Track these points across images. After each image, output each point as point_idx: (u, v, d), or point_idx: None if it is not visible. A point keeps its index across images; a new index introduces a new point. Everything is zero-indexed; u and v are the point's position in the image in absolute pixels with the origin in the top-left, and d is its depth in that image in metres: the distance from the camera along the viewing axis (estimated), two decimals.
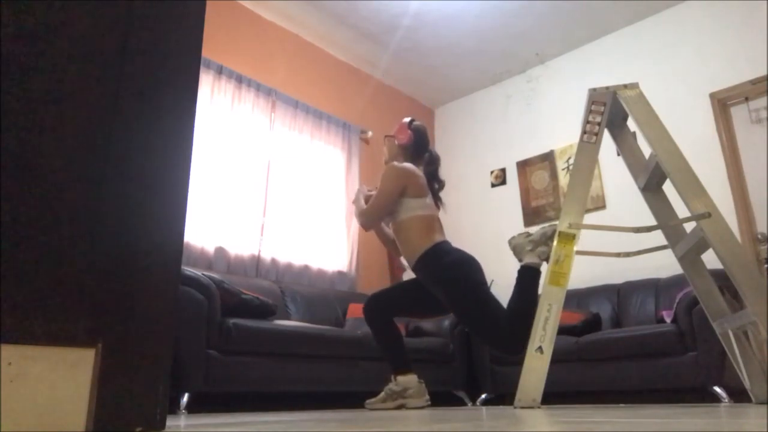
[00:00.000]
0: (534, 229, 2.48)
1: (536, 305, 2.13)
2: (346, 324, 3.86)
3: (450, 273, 2.37)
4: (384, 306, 2.57)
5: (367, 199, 2.64)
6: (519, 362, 2.12)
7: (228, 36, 4.19)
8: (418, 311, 2.81)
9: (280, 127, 4.38)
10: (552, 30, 4.74)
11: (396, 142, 2.67)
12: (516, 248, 2.43)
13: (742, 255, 1.94)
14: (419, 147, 2.67)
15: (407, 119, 2.74)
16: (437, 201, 2.68)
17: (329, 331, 3.24)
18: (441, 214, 2.68)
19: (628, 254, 2.28)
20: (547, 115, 5.09)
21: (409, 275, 4.36)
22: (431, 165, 2.70)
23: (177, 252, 0.95)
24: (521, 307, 2.28)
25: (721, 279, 2.31)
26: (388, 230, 2.69)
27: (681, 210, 2.33)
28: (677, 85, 4.27)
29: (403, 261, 4.30)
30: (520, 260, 2.41)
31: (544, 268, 2.25)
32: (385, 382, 2.57)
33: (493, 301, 2.34)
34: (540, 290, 2.19)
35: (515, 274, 2.40)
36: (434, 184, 2.69)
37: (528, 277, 2.35)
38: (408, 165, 2.54)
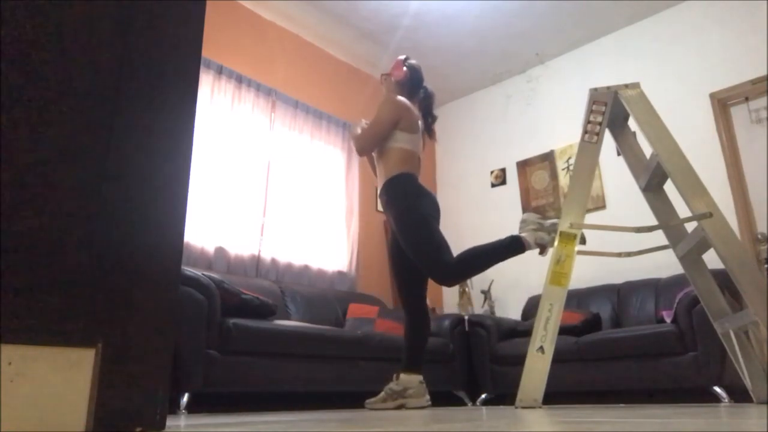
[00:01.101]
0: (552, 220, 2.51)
1: (489, 266, 2.37)
2: (346, 324, 3.86)
3: (404, 201, 2.48)
4: (402, 291, 2.65)
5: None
6: (520, 362, 2.12)
7: (228, 36, 4.19)
8: (408, 271, 2.78)
9: (280, 127, 4.37)
10: (552, 30, 4.74)
11: (393, 79, 2.79)
12: (524, 221, 2.48)
13: (744, 255, 1.94)
14: (415, 83, 2.81)
15: (402, 57, 2.87)
16: (431, 134, 2.83)
17: (329, 331, 3.24)
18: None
19: (629, 254, 2.27)
20: (547, 115, 5.09)
21: None
22: (426, 100, 2.83)
23: (177, 252, 0.95)
24: (479, 257, 2.39)
25: (722, 279, 2.31)
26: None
27: (682, 210, 2.33)
28: (677, 85, 4.27)
29: None
30: (519, 231, 2.46)
31: (544, 269, 2.25)
32: (386, 381, 2.57)
33: (438, 235, 2.42)
34: (542, 290, 2.19)
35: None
36: (428, 118, 2.82)
37: (508, 244, 2.40)
38: (404, 99, 2.66)
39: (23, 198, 0.76)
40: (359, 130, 2.73)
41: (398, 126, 2.59)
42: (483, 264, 2.41)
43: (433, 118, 2.85)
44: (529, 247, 2.39)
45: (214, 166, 3.82)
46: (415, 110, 2.68)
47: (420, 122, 2.73)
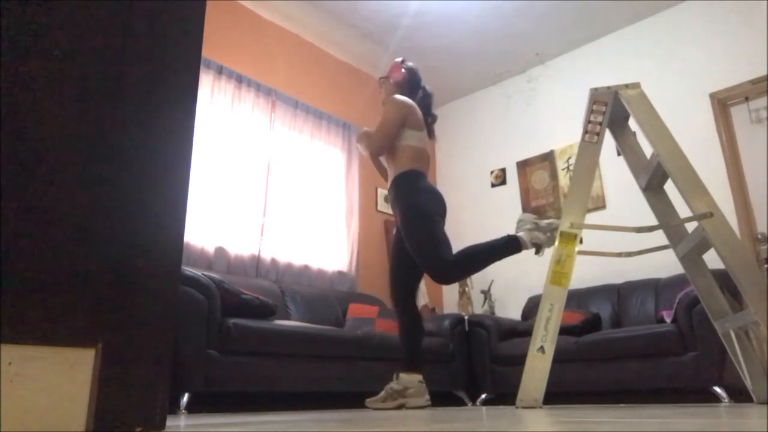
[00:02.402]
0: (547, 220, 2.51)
1: (486, 265, 2.37)
2: (346, 324, 3.86)
3: (411, 197, 2.49)
4: (396, 289, 2.66)
5: (369, 135, 2.74)
6: (520, 362, 2.12)
7: (228, 36, 4.19)
8: (410, 269, 2.79)
9: (280, 127, 4.37)
10: (552, 30, 4.74)
11: (391, 81, 2.82)
12: (520, 221, 2.49)
13: (744, 255, 1.94)
14: (413, 84, 2.83)
15: (399, 59, 2.89)
16: (431, 134, 2.84)
17: (329, 331, 3.24)
18: None
19: (629, 254, 2.27)
20: (547, 115, 5.09)
21: None
22: (425, 99, 2.84)
23: (177, 252, 0.95)
24: (476, 255, 2.39)
25: (722, 279, 2.31)
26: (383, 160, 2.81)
27: (682, 210, 2.33)
28: (677, 85, 4.27)
29: None
30: (516, 231, 2.47)
31: (545, 270, 2.25)
32: (386, 381, 2.58)
33: (441, 232, 2.42)
34: (542, 290, 2.19)
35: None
36: (428, 117, 2.82)
37: (504, 243, 2.40)
38: (407, 98, 2.68)
39: (23, 198, 0.76)
40: (363, 137, 2.74)
41: (406, 124, 2.60)
42: (480, 263, 2.42)
43: (433, 118, 2.87)
44: (525, 247, 2.40)
45: (214, 166, 3.82)
46: (417, 108, 2.69)
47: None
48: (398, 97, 2.66)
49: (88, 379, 0.78)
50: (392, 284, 2.70)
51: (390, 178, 2.64)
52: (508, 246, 2.39)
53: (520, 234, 2.41)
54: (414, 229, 2.42)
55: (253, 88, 4.21)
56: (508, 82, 5.47)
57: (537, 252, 2.41)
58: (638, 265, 3.78)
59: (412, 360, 2.58)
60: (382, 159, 2.75)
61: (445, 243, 2.39)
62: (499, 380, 3.84)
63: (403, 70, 2.82)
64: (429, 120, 2.82)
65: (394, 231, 2.69)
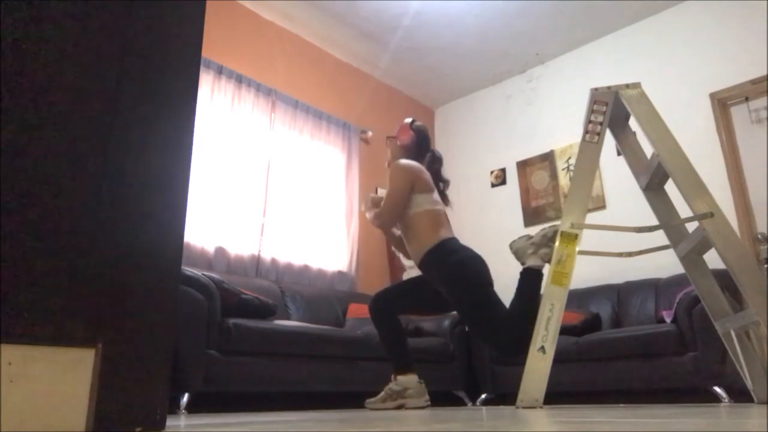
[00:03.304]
0: (534, 231, 2.48)
1: (537, 308, 2.12)
2: (346, 324, 3.86)
3: (455, 271, 2.36)
4: (388, 305, 2.59)
5: (375, 202, 2.65)
6: (520, 362, 2.12)
7: (228, 36, 4.19)
8: (420, 308, 2.83)
9: (280, 127, 4.37)
10: (552, 30, 4.74)
11: (398, 143, 2.71)
12: (518, 252, 2.43)
13: (745, 255, 1.94)
14: (421, 147, 2.70)
15: (409, 120, 2.77)
16: (444, 200, 2.71)
17: (329, 331, 3.24)
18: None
19: (630, 254, 2.27)
20: (547, 115, 5.09)
21: (409, 275, 4.36)
22: (434, 164, 2.72)
23: (177, 252, 0.95)
24: (523, 310, 2.28)
25: (723, 279, 2.31)
26: (395, 229, 2.70)
27: (683, 210, 2.33)
28: (677, 85, 4.27)
29: (404, 261, 4.27)
30: (522, 263, 2.41)
31: (546, 269, 2.25)
32: (385, 381, 2.57)
33: (497, 303, 2.33)
34: (542, 291, 2.19)
35: (516, 274, 2.40)
36: (439, 183, 2.72)
37: (530, 279, 2.35)
38: (413, 162, 2.57)
39: (23, 198, 0.76)
40: (370, 203, 2.65)
41: (413, 190, 2.48)
42: (529, 316, 2.20)
43: (446, 183, 2.75)
44: (542, 268, 2.35)
45: (214, 166, 3.82)
46: (425, 169, 2.58)
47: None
48: (402, 162, 2.53)
49: (88, 379, 0.78)
50: (390, 301, 2.59)
51: (419, 255, 2.47)
52: (532, 280, 2.34)
53: (530, 263, 2.36)
54: (470, 308, 2.33)
55: (253, 88, 4.21)
56: (508, 82, 5.47)
57: (549, 261, 2.37)
58: (638, 265, 3.78)
59: (406, 361, 2.56)
60: (395, 229, 2.66)
61: (503, 314, 2.29)
62: (498, 380, 3.84)
63: (412, 131, 2.70)
64: (441, 186, 2.71)
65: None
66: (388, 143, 2.78)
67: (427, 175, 2.57)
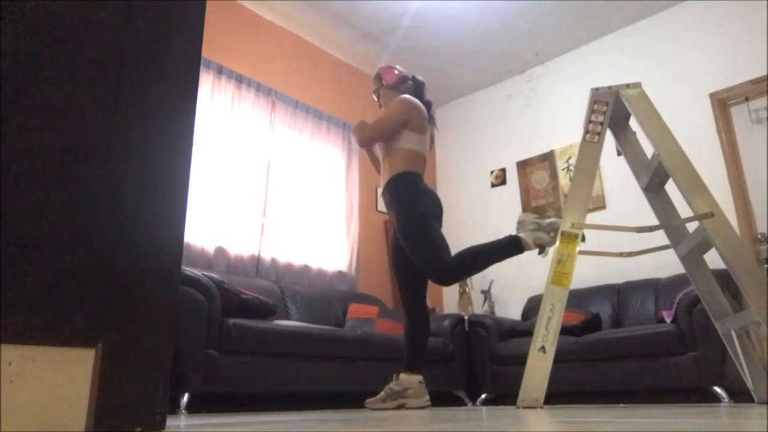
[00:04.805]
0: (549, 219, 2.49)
1: (486, 266, 2.35)
2: (346, 324, 3.85)
3: (406, 199, 2.48)
4: (401, 290, 2.65)
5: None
6: (520, 362, 2.12)
7: (228, 36, 4.18)
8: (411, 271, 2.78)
9: (280, 127, 4.37)
10: (552, 30, 4.74)
11: (384, 82, 2.77)
12: (521, 222, 2.47)
13: (746, 255, 1.94)
14: (406, 78, 2.77)
15: (383, 65, 2.87)
16: (431, 121, 2.79)
17: (329, 331, 3.24)
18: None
19: (630, 254, 2.27)
20: (547, 115, 5.09)
21: None
22: (419, 87, 2.78)
23: (177, 252, 0.95)
24: (477, 257, 2.38)
25: (723, 279, 2.31)
26: (377, 151, 2.78)
27: (683, 209, 2.33)
28: (677, 85, 4.27)
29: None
30: (517, 231, 2.45)
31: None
32: (386, 381, 2.58)
33: (438, 234, 2.41)
34: (543, 290, 2.19)
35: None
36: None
37: (506, 245, 2.39)
38: (418, 102, 2.64)
39: (23, 198, 0.76)
40: (360, 125, 2.71)
41: (407, 126, 2.58)
42: (481, 264, 2.41)
43: (427, 104, 2.82)
44: (528, 248, 2.38)
45: (214, 166, 3.81)
46: (424, 111, 2.66)
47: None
48: (408, 97, 2.62)
49: (88, 379, 0.78)
50: (399, 288, 2.69)
51: (385, 180, 2.62)
52: (510, 247, 2.37)
53: (522, 235, 2.39)
54: (410, 233, 2.41)
55: (253, 88, 4.21)
56: (508, 82, 5.47)
57: (540, 252, 2.40)
58: (638, 265, 3.78)
59: (414, 361, 2.58)
60: (379, 153, 2.73)
61: (442, 245, 2.38)
62: (499, 380, 3.84)
63: (392, 68, 2.79)
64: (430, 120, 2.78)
65: (392, 232, 2.68)
66: (378, 94, 2.83)
67: (424, 117, 2.64)
